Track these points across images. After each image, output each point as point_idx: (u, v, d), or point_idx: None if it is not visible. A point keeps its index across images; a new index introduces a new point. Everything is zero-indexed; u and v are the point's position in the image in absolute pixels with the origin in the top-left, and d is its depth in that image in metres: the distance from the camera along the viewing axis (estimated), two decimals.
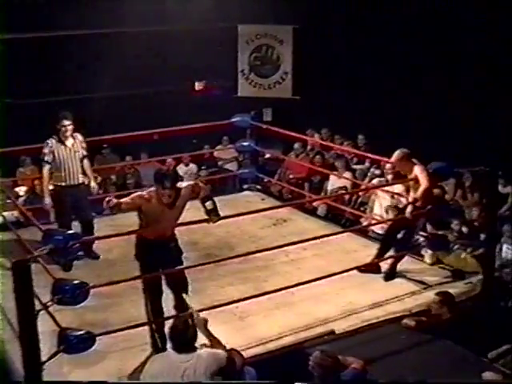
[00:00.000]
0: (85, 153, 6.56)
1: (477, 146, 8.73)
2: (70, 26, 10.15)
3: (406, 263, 6.27)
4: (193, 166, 10.24)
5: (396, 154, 5.99)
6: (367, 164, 9.36)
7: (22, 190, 8.89)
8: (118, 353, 4.92)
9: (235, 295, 5.46)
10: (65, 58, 10.25)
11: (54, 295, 4.41)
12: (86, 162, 6.58)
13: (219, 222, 5.10)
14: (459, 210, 8.07)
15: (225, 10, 10.99)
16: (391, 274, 6.13)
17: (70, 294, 4.43)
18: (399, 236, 6.20)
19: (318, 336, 5.14)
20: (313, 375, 4.08)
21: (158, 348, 4.87)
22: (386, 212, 7.36)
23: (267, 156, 10.14)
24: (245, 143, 8.60)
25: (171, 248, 4.95)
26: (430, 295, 5.63)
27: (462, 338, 4.88)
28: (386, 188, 7.37)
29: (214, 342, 4.30)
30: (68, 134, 6.38)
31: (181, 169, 10.02)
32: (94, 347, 4.51)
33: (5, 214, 7.29)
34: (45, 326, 4.47)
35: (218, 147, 10.72)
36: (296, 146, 10.21)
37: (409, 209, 5.95)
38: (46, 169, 6.39)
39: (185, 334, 4.06)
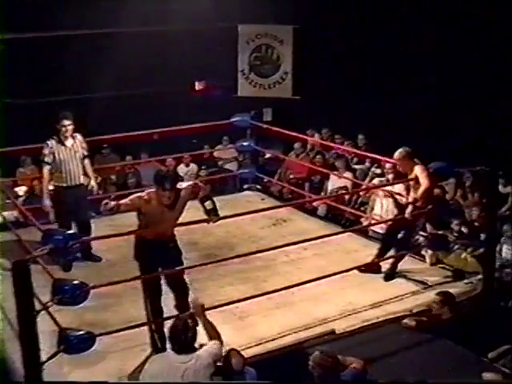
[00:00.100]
0: (85, 153, 6.55)
1: (477, 146, 8.72)
2: (70, 25, 10.14)
3: (406, 263, 6.28)
4: (193, 167, 10.23)
5: (398, 153, 5.98)
6: (367, 164, 9.36)
7: (21, 190, 8.89)
8: (118, 353, 4.93)
9: (235, 295, 5.46)
10: (65, 58, 10.23)
11: (53, 295, 4.42)
12: (86, 162, 6.58)
13: (219, 222, 5.10)
14: (459, 210, 8.07)
15: (225, 10, 10.98)
16: (391, 274, 6.14)
17: (69, 294, 4.43)
18: (399, 236, 6.20)
19: (318, 336, 5.14)
20: (313, 375, 4.09)
21: (157, 348, 4.87)
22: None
23: (267, 156, 10.13)
24: (245, 143, 8.60)
25: (171, 248, 4.95)
26: (430, 295, 5.63)
27: (462, 338, 4.89)
28: (387, 188, 7.37)
29: (210, 330, 4.30)
30: (68, 134, 6.36)
31: (181, 169, 10.02)
32: (94, 347, 4.51)
33: (5, 213, 7.28)
34: (45, 326, 4.47)
35: (218, 147, 10.71)
36: (296, 145, 10.21)
37: (409, 209, 5.95)
38: (46, 170, 6.38)
39: (185, 335, 4.06)
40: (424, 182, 5.78)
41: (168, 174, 4.86)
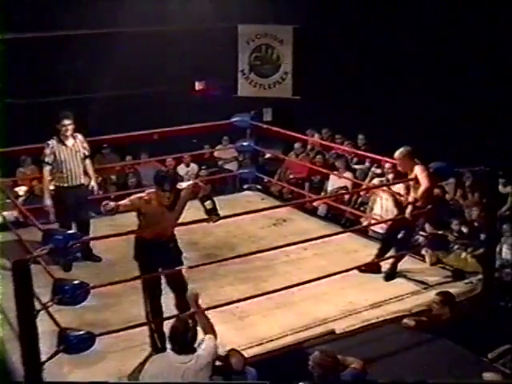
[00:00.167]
0: (86, 153, 6.53)
1: (477, 146, 8.73)
2: (70, 25, 10.15)
3: (406, 263, 6.27)
4: (194, 167, 10.23)
5: (399, 152, 5.98)
6: (367, 164, 9.36)
7: (21, 190, 8.89)
8: (118, 353, 4.92)
9: (235, 295, 5.46)
10: (65, 58, 10.23)
11: (53, 295, 4.41)
12: (87, 162, 6.56)
13: (219, 222, 5.10)
14: (459, 209, 8.07)
15: (225, 10, 10.99)
16: (391, 274, 6.13)
17: (69, 294, 4.43)
18: (399, 236, 6.20)
19: (318, 336, 5.14)
20: (313, 375, 4.09)
21: (157, 348, 4.87)
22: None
23: (267, 156, 10.13)
24: (245, 143, 8.60)
25: (171, 248, 4.95)
26: (430, 295, 5.63)
27: (462, 338, 4.88)
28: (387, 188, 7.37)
29: (205, 322, 4.30)
30: (68, 133, 6.35)
31: (182, 169, 10.02)
32: (93, 347, 4.51)
33: (5, 213, 7.28)
34: (45, 326, 4.47)
35: (218, 147, 10.71)
36: (296, 145, 10.21)
37: (409, 209, 5.95)
38: (46, 170, 6.38)
39: (185, 336, 4.06)
40: (424, 182, 5.78)
41: (168, 174, 4.87)
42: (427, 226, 6.77)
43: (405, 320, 5.27)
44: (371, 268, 6.14)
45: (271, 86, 12.09)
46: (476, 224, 7.56)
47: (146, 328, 4.94)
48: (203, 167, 10.40)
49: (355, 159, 9.65)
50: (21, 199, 8.47)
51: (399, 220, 6.15)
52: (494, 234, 6.47)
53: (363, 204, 8.43)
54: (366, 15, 10.42)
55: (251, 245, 6.71)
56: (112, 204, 4.65)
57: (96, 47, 10.40)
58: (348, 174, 8.89)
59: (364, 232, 7.27)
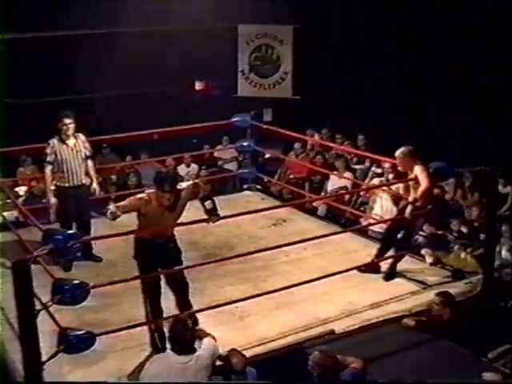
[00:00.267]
0: (88, 153, 6.52)
1: (477, 146, 8.73)
2: (70, 25, 10.16)
3: (406, 263, 6.27)
4: (194, 167, 10.23)
5: (401, 150, 5.97)
6: (367, 164, 9.36)
7: (22, 190, 8.89)
8: (118, 353, 4.92)
9: (235, 295, 5.46)
10: (65, 58, 10.24)
11: (53, 295, 4.41)
12: (89, 162, 6.54)
13: (219, 222, 5.10)
14: (459, 209, 8.07)
15: (225, 10, 10.99)
16: (391, 274, 6.13)
17: (69, 294, 4.43)
18: (399, 236, 6.20)
19: (318, 336, 5.14)
20: (312, 375, 4.09)
21: (157, 347, 4.87)
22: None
23: (267, 156, 10.13)
24: (245, 143, 8.60)
25: (170, 248, 4.95)
26: (430, 295, 5.62)
27: (462, 337, 4.88)
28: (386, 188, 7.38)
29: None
30: (69, 132, 6.34)
31: (182, 169, 10.02)
32: (93, 347, 4.51)
33: (5, 213, 7.28)
34: (45, 326, 4.47)
35: (218, 147, 10.72)
36: (296, 146, 10.21)
37: (409, 209, 5.95)
38: (48, 169, 6.37)
39: (184, 336, 4.06)
40: (424, 182, 5.78)
41: (168, 175, 4.83)
42: (426, 226, 6.76)
43: (405, 320, 5.27)
44: (371, 268, 6.14)
45: (271, 86, 12.10)
46: (476, 224, 7.56)
47: (145, 328, 4.94)
48: (203, 167, 10.41)
49: (355, 159, 9.65)
50: (21, 199, 8.47)
51: (399, 220, 6.15)
52: (494, 234, 6.48)
53: (363, 204, 8.44)
54: (366, 15, 10.42)
55: (251, 245, 6.71)
56: (112, 208, 4.62)
57: (96, 47, 10.41)
58: (348, 174, 8.89)
59: (364, 232, 7.27)
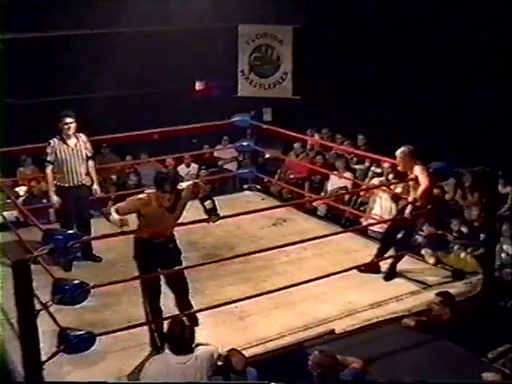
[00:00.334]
0: (89, 154, 6.50)
1: (477, 146, 8.73)
2: (70, 25, 10.16)
3: (406, 263, 6.27)
4: (194, 167, 10.23)
5: (401, 150, 5.97)
6: (367, 164, 9.36)
7: (22, 190, 8.90)
8: (118, 353, 4.93)
9: (235, 295, 5.46)
10: (65, 58, 10.24)
11: (53, 295, 4.41)
12: (90, 163, 6.52)
13: (219, 222, 5.09)
14: (459, 209, 8.07)
15: (225, 10, 10.99)
16: (391, 274, 6.13)
17: (69, 293, 4.43)
18: (399, 236, 6.20)
19: (318, 336, 5.14)
20: (312, 375, 4.09)
21: (157, 347, 4.86)
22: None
23: (267, 156, 10.14)
24: (245, 143, 8.60)
25: (170, 248, 4.95)
26: (430, 295, 5.62)
27: (462, 337, 4.88)
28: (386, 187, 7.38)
29: None
30: (70, 132, 6.32)
31: (182, 169, 10.02)
32: (93, 347, 4.51)
33: (5, 213, 7.28)
34: (45, 326, 4.47)
35: (218, 147, 10.72)
36: (296, 145, 10.21)
37: (409, 209, 5.95)
38: (48, 169, 6.35)
39: (182, 336, 4.06)
40: (423, 182, 5.78)
41: (168, 175, 4.76)
42: (426, 226, 6.76)
43: (405, 320, 5.27)
44: (371, 268, 6.14)
45: (271, 86, 12.09)
46: (476, 224, 7.56)
47: (145, 328, 4.94)
48: (203, 167, 10.41)
49: (355, 159, 9.65)
50: (21, 199, 8.48)
51: (399, 220, 6.15)
52: (494, 234, 6.47)
53: (363, 204, 8.44)
54: (366, 15, 10.42)
55: (251, 245, 6.70)
56: (114, 214, 4.62)
57: (96, 47, 10.41)
58: (348, 174, 8.89)
59: (364, 232, 7.27)
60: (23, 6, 9.38)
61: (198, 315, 5.06)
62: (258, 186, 8.78)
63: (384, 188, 7.64)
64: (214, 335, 4.89)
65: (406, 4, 9.80)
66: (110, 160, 9.86)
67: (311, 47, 11.27)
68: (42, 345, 4.29)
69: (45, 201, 7.85)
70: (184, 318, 4.22)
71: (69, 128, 6.30)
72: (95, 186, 6.59)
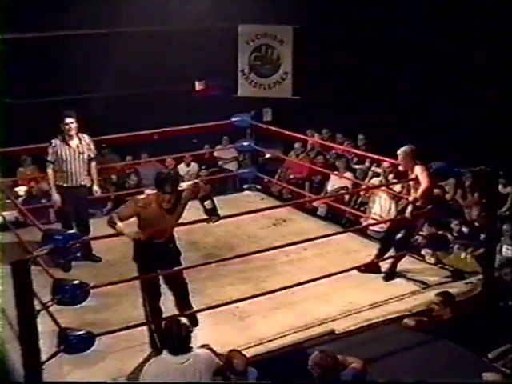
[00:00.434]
0: (91, 155, 6.48)
1: (477, 145, 8.72)
2: (70, 25, 10.15)
3: (406, 263, 6.27)
4: (194, 166, 10.23)
5: (403, 150, 5.97)
6: (367, 164, 9.36)
7: (22, 190, 8.89)
8: (118, 353, 4.92)
9: (235, 295, 5.46)
10: (65, 58, 10.24)
11: (53, 295, 4.42)
12: (92, 164, 6.50)
13: (219, 222, 5.09)
14: (459, 209, 8.07)
15: (225, 10, 10.99)
16: (391, 274, 6.13)
17: (69, 294, 4.43)
18: (399, 236, 6.20)
19: (318, 336, 5.14)
20: (312, 375, 4.08)
21: (157, 348, 4.86)
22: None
23: (267, 156, 10.14)
24: (245, 143, 8.60)
25: (170, 249, 4.95)
26: (430, 295, 5.62)
27: (462, 338, 4.88)
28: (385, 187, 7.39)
29: None
30: (72, 132, 6.30)
31: (182, 169, 10.02)
32: (93, 347, 4.51)
33: (5, 213, 7.28)
34: (45, 326, 4.48)
35: (218, 147, 10.72)
36: (296, 145, 10.21)
37: (409, 209, 5.95)
38: (49, 169, 6.35)
39: (179, 335, 4.06)
40: (424, 182, 5.78)
41: (169, 176, 4.73)
42: (425, 226, 6.76)
43: (405, 320, 5.27)
44: (371, 268, 6.14)
45: (271, 86, 12.09)
46: (476, 224, 7.56)
47: (145, 328, 4.94)
48: (203, 167, 10.41)
49: (355, 159, 9.65)
50: (21, 199, 8.47)
51: (399, 220, 6.15)
52: (494, 233, 6.47)
53: (363, 204, 8.44)
54: (366, 15, 10.42)
55: (251, 245, 6.70)
56: (120, 224, 4.63)
57: (96, 47, 10.40)
58: (348, 174, 8.89)
59: (364, 232, 7.27)
60: (23, 6, 9.39)
61: (198, 315, 5.07)
62: (258, 186, 8.77)
63: (384, 188, 7.63)
64: (214, 335, 4.90)
65: (405, 4, 9.79)
66: (110, 160, 9.86)
67: (311, 47, 11.27)
68: (41, 345, 4.29)
69: (44, 201, 7.86)
70: (180, 318, 4.22)
71: (70, 129, 6.28)
72: (95, 187, 6.58)
